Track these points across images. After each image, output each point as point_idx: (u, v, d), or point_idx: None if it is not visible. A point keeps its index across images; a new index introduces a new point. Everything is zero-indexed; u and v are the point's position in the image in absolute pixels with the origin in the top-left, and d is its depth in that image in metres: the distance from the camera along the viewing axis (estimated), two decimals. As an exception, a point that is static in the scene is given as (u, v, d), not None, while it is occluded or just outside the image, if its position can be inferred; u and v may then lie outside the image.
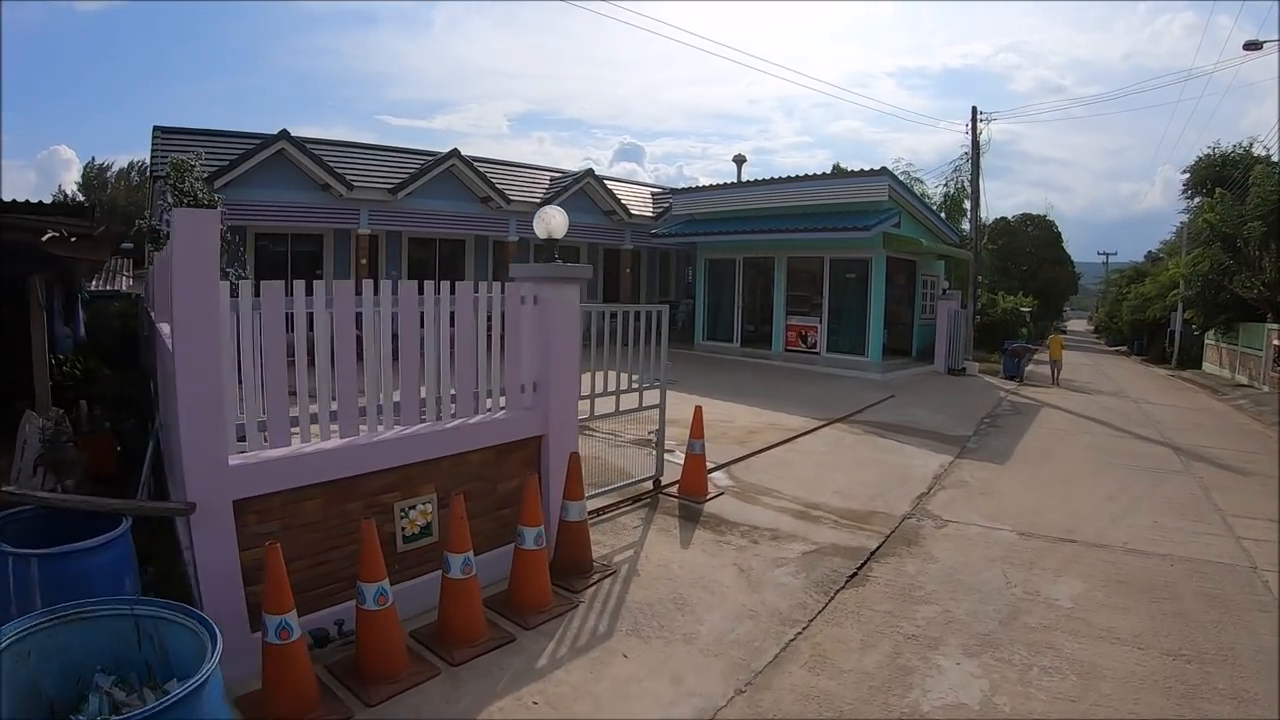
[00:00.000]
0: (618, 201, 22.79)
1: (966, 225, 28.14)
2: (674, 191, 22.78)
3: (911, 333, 21.28)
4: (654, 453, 8.67)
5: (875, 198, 17.73)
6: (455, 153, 19.54)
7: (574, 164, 23.44)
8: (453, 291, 5.17)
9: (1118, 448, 11.09)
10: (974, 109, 24.43)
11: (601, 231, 23.40)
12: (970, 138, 24.49)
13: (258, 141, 17.23)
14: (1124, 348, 40.51)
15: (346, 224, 18.71)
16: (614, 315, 7.24)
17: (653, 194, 26.11)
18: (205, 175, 16.05)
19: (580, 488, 5.45)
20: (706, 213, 21.59)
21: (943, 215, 25.02)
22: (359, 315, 4.84)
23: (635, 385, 7.34)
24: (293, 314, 4.61)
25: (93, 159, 27.02)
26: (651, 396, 7.57)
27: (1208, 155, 30.02)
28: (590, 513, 6.74)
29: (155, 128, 18.25)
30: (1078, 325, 75.13)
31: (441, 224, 20.17)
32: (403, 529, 4.89)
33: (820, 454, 9.50)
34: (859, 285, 18.24)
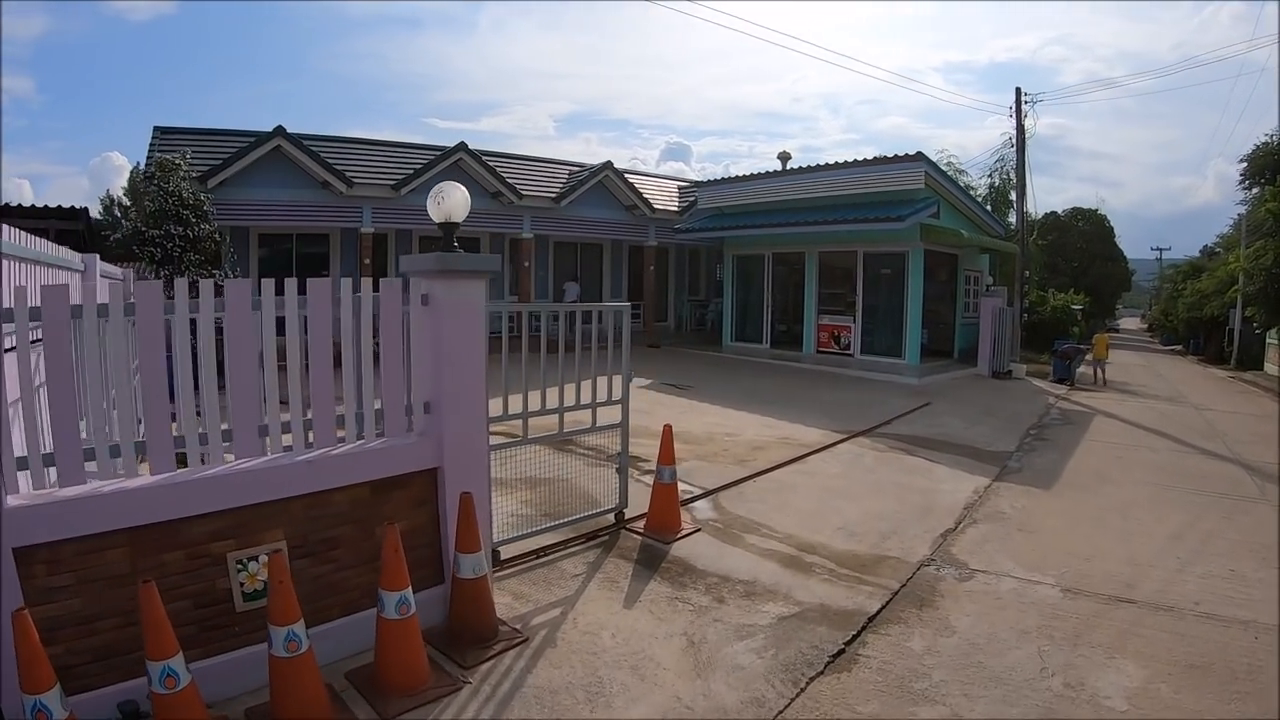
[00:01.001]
0: (639, 195, 21.62)
1: (1014, 219, 26.41)
2: (698, 184, 21.53)
3: (953, 333, 19.68)
4: (640, 476, 7.57)
5: (910, 185, 16.26)
6: (462, 146, 18.58)
7: (621, 164, 22.32)
8: (303, 291, 4.08)
9: (1181, 466, 9.53)
10: (1018, 90, 22.78)
11: (623, 227, 22.29)
12: (1015, 121, 22.82)
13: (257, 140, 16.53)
14: (1179, 346, 38.05)
15: (349, 222, 17.96)
16: (561, 317, 6.18)
17: (679, 188, 24.90)
18: (196, 175, 15.47)
19: (474, 537, 4.28)
20: (733, 205, 20.30)
21: (988, 208, 23.25)
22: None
23: (586, 402, 6.20)
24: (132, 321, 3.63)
25: (138, 164, 26.65)
26: (612, 413, 6.41)
27: (1265, 144, 27.72)
28: (527, 554, 5.66)
29: (155, 128, 17.93)
30: (1131, 323, 71.73)
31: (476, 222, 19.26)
32: (241, 585, 3.84)
33: (832, 476, 8.18)
34: (895, 281, 16.79)
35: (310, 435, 4.19)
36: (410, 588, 3.80)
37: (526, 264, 20.58)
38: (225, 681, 3.72)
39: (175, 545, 3.65)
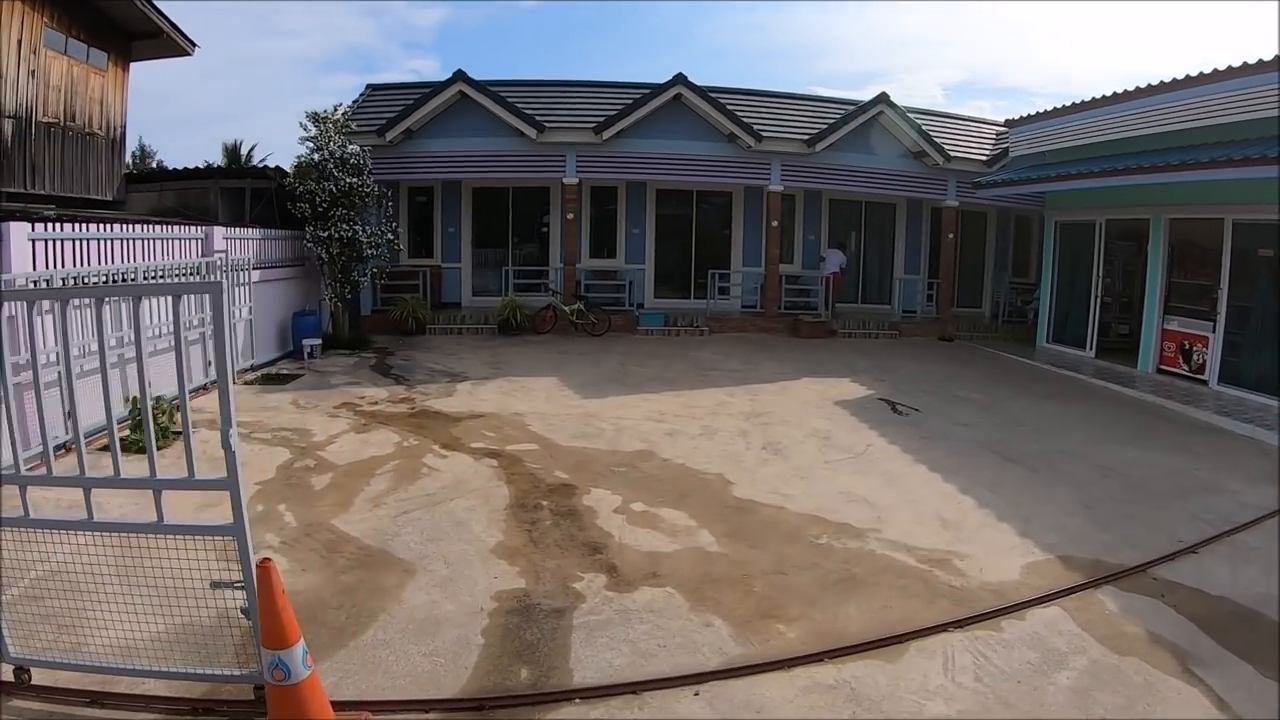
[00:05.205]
0: (928, 139, 16.14)
1: None
2: (1011, 123, 15.52)
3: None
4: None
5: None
6: (680, 78, 15.09)
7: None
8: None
9: None
10: None
11: (910, 181, 17.00)
12: None
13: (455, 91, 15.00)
14: None
15: (554, 172, 15.55)
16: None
17: (996, 133, 18.66)
18: (371, 128, 14.65)
19: None
20: (1056, 150, 14.09)
21: None
22: None
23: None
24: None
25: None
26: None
27: None
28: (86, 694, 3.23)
29: (367, 85, 17.80)
30: None
31: (683, 170, 16.01)
32: None
33: None
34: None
35: None
36: None
37: (775, 223, 16.53)
38: None
39: None
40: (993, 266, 19.83)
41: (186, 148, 60.10)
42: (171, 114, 48.00)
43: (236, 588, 3.14)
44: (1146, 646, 4.21)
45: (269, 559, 2.92)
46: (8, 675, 3.55)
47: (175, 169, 17.53)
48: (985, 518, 6.13)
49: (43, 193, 11.71)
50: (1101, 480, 7.26)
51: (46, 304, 5.17)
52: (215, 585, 3.20)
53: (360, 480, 6.48)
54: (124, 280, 7.85)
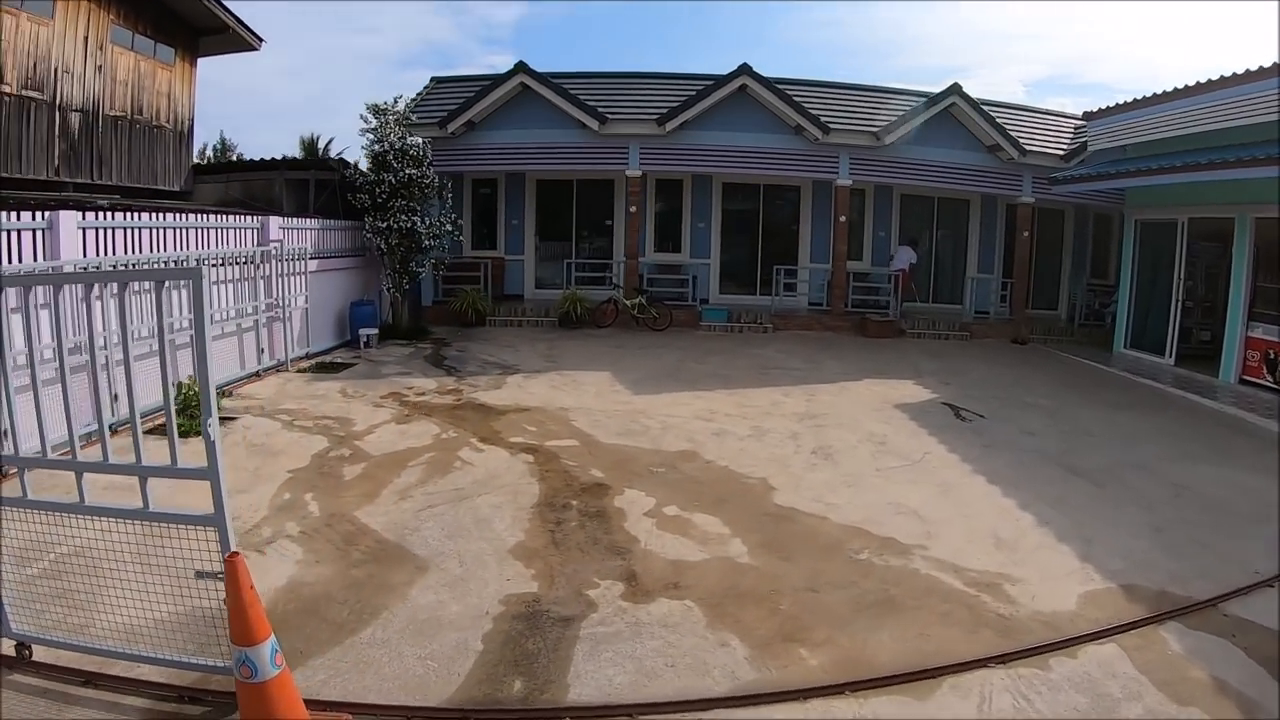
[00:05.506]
0: (1002, 133, 15.40)
1: None
2: (1089, 115, 14.65)
3: None
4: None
5: None
6: (745, 69, 14.74)
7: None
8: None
9: None
10: None
11: (985, 176, 16.27)
12: None
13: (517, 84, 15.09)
14: None
15: (616, 164, 15.43)
16: None
17: (1074, 126, 17.74)
18: (434, 120, 14.80)
19: None
20: (1138, 143, 13.31)
21: None
22: None
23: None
24: None
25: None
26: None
27: None
28: (82, 673, 3.32)
29: (431, 78, 17.85)
30: None
31: (748, 163, 15.72)
32: None
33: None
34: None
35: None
36: None
37: (843, 218, 16.04)
38: None
39: None
40: (1070, 267, 18.90)
41: (269, 142, 62.07)
42: (257, 109, 49.69)
43: (219, 579, 3.06)
44: (1211, 695, 3.80)
45: (237, 553, 2.85)
46: (9, 650, 3.60)
47: (243, 160, 17.91)
48: (1044, 537, 5.72)
49: (109, 183, 12.15)
50: (1174, 500, 6.75)
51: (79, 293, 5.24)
52: (199, 575, 3.15)
53: (392, 472, 6.44)
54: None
